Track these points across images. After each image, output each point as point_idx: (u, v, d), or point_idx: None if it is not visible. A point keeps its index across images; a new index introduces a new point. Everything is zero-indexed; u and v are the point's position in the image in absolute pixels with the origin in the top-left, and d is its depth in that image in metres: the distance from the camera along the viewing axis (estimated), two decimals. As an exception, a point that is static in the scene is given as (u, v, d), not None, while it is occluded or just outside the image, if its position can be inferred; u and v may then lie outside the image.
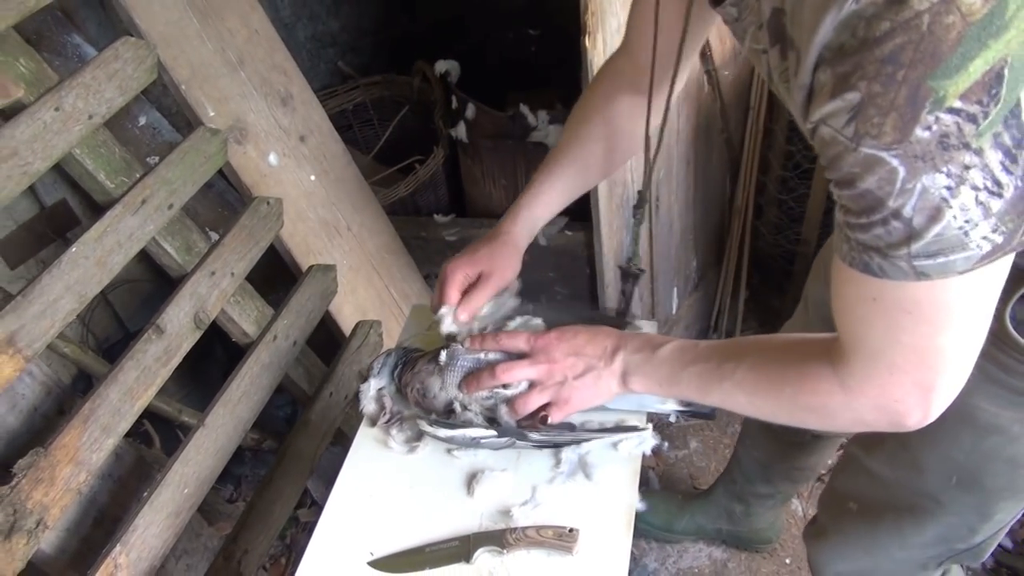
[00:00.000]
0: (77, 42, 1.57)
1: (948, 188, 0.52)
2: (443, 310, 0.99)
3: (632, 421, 0.97)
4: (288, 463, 1.38)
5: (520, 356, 0.95)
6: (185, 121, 1.79)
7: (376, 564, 0.88)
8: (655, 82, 0.98)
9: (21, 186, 1.05)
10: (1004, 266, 0.59)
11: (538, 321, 1.03)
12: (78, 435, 1.05)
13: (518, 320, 1.03)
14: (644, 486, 1.93)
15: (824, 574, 1.24)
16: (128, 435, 1.27)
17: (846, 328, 0.68)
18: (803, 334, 0.79)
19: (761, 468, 1.57)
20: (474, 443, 0.95)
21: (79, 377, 1.77)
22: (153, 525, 1.10)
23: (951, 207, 0.53)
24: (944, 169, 0.52)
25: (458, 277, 0.99)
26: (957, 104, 0.49)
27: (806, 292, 1.32)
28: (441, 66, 1.89)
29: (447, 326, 0.99)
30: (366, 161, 2.19)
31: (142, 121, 1.74)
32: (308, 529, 1.93)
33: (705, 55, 1.71)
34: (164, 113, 1.80)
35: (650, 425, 0.98)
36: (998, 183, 0.52)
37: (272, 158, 1.59)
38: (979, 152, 0.51)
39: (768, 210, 2.12)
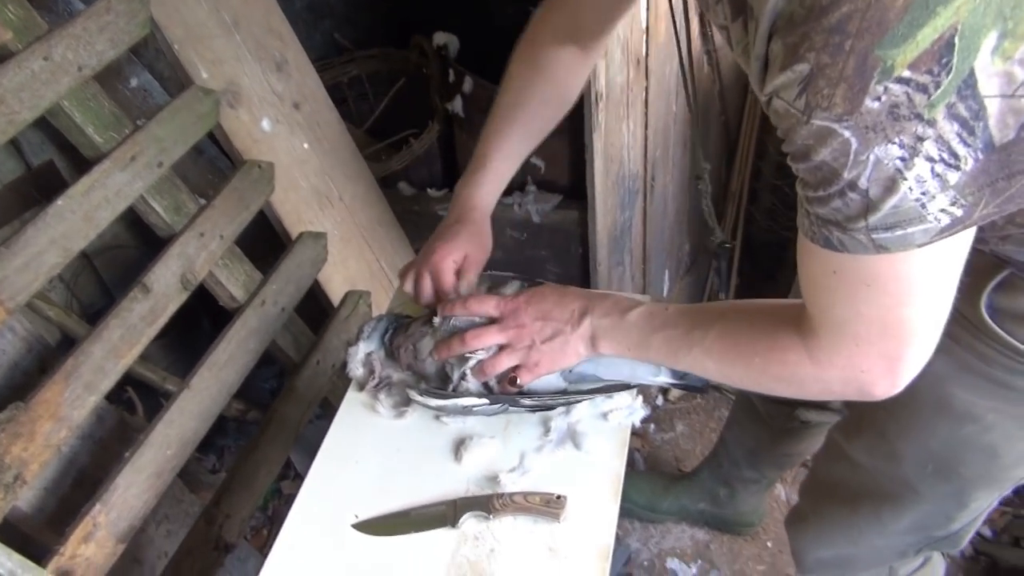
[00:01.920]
0: (68, -1, 1.54)
1: (902, 159, 0.52)
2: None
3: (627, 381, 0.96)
4: (273, 430, 1.37)
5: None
6: (178, 85, 1.76)
7: (360, 526, 0.88)
8: (589, 37, 1.00)
9: (7, 135, 1.03)
10: (966, 239, 0.59)
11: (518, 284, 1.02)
12: (60, 391, 1.03)
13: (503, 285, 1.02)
14: (630, 467, 1.93)
15: (805, 561, 1.24)
16: (111, 401, 1.25)
17: (812, 301, 0.69)
18: (773, 300, 0.80)
19: (748, 454, 1.58)
20: (465, 411, 0.95)
21: (63, 342, 1.74)
22: (134, 485, 1.09)
23: (906, 179, 0.52)
24: (896, 140, 0.51)
25: (450, 265, 0.99)
26: (906, 74, 0.48)
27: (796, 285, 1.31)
28: (439, 38, 1.86)
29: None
30: (359, 135, 2.16)
31: (133, 83, 1.71)
32: (291, 501, 1.92)
33: (705, 35, 1.70)
34: (156, 77, 1.77)
35: (640, 399, 0.98)
36: (955, 155, 0.51)
37: (265, 123, 1.56)
38: (932, 123, 0.50)
39: (763, 196, 2.12)
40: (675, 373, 0.97)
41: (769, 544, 1.78)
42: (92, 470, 1.21)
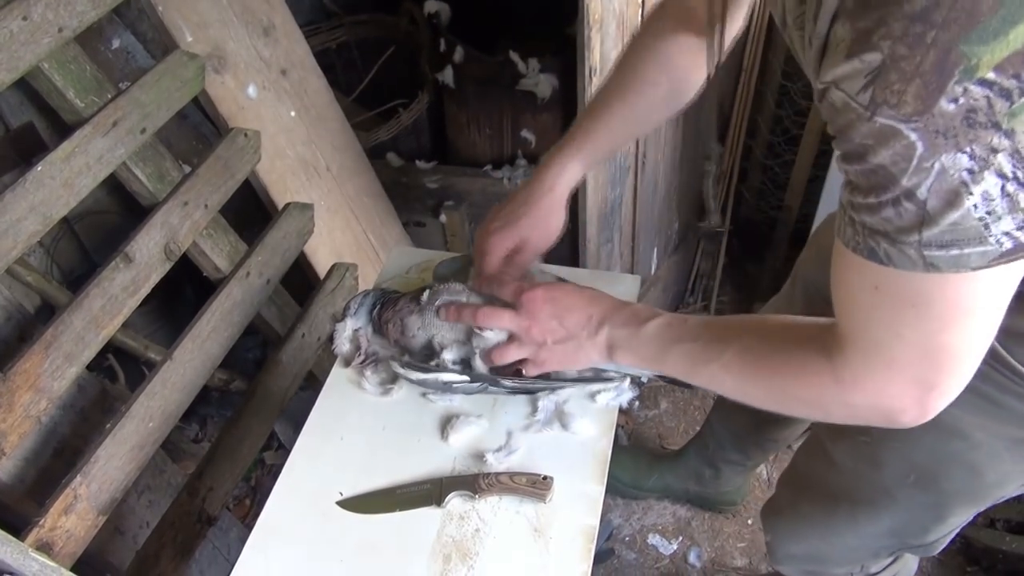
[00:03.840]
0: (48, -45, 1.49)
1: (970, 171, 0.47)
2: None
3: (608, 372, 0.96)
4: (257, 402, 1.36)
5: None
6: (161, 47, 1.72)
7: (345, 504, 0.87)
8: (706, 23, 0.91)
9: (-16, 97, 1.00)
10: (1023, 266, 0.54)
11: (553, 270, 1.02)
12: (39, 362, 1.01)
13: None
14: (614, 443, 1.94)
15: (777, 553, 1.25)
16: (92, 369, 1.23)
17: (846, 318, 0.64)
18: (798, 317, 0.75)
19: (734, 438, 1.58)
20: (446, 387, 0.94)
21: (43, 308, 1.72)
22: (115, 457, 1.08)
23: (972, 194, 0.48)
24: (968, 149, 0.47)
25: (499, 251, 0.95)
26: (991, 76, 0.44)
27: (797, 270, 1.28)
28: (431, 6, 1.82)
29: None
30: (347, 103, 2.13)
31: (115, 44, 1.67)
32: (274, 471, 1.92)
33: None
34: (139, 39, 1.73)
35: (628, 378, 0.98)
36: None
37: (251, 90, 1.53)
38: (1010, 134, 0.45)
39: (752, 175, 2.11)
40: None
41: (750, 522, 1.80)
42: (73, 440, 1.19)
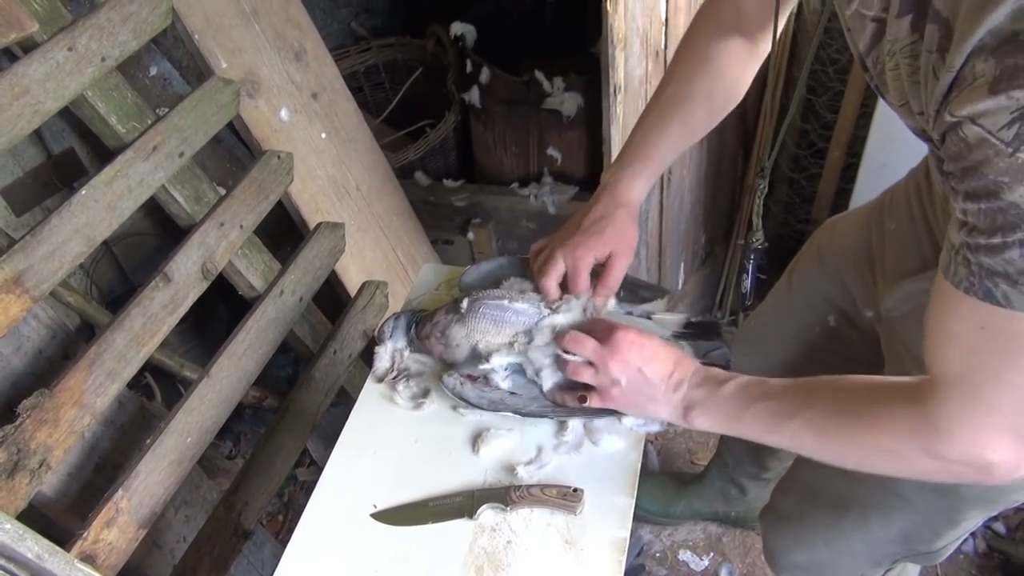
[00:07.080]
0: (90, -12, 1.55)
1: None
2: (578, 300, 0.96)
3: None
4: (290, 418, 1.38)
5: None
6: (196, 74, 1.77)
7: (379, 516, 0.89)
8: (756, 27, 0.93)
9: (32, 125, 1.04)
10: None
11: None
12: (83, 378, 1.04)
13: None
14: (642, 467, 1.93)
15: (779, 562, 1.23)
16: (130, 387, 1.27)
17: (944, 359, 0.62)
18: (884, 377, 0.74)
19: (749, 451, 1.57)
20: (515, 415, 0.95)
21: (83, 327, 1.77)
22: (155, 472, 1.10)
23: None
24: None
25: (589, 264, 0.94)
26: None
27: (793, 269, 1.28)
28: (457, 28, 1.86)
29: (576, 314, 0.94)
30: (376, 124, 2.17)
31: (153, 71, 1.72)
32: (306, 488, 1.94)
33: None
34: (175, 65, 1.78)
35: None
36: None
37: (283, 113, 1.57)
38: None
39: (779, 189, 2.11)
40: (697, 351, 0.97)
41: (781, 537, 1.78)
42: (113, 455, 1.23)
